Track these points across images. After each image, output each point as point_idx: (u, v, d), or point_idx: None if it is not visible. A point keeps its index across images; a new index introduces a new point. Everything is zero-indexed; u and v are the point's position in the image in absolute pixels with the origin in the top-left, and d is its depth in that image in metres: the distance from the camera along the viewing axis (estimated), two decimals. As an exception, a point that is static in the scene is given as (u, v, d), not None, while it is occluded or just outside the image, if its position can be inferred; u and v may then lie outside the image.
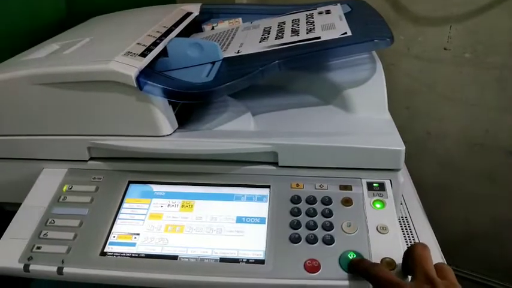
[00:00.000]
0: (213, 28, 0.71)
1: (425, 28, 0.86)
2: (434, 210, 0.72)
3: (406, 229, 0.57)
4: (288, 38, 0.55)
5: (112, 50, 0.49)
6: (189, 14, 0.69)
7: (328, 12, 0.63)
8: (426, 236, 0.56)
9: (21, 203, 0.49)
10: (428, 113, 0.94)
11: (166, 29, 0.59)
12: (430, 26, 0.85)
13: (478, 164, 0.93)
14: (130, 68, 0.46)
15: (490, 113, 0.88)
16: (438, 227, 0.61)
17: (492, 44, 0.82)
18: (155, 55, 0.51)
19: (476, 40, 0.83)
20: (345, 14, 0.62)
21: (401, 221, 0.59)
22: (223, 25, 0.71)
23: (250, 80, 0.48)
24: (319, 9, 0.65)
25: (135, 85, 0.45)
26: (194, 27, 0.70)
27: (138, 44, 0.52)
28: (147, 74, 0.46)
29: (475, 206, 0.98)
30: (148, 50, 0.51)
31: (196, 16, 0.71)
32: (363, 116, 0.52)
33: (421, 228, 0.57)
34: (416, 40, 0.87)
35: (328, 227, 0.43)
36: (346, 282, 0.40)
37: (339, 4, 0.66)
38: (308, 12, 0.65)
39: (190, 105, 0.55)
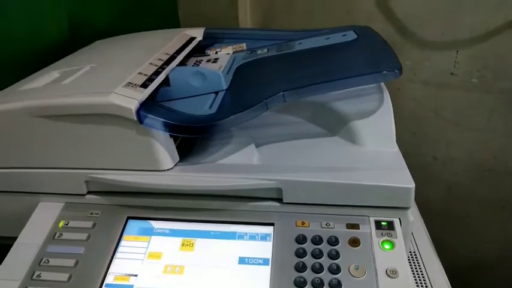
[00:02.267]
0: (216, 53, 0.69)
1: (432, 53, 0.85)
2: (442, 237, 0.70)
3: (415, 266, 0.55)
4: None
5: (112, 80, 0.48)
6: (192, 39, 0.68)
7: (215, 61, 0.62)
8: (436, 274, 0.53)
9: (15, 237, 0.47)
10: (435, 138, 0.92)
11: (168, 56, 0.58)
12: (437, 50, 0.84)
13: (487, 190, 0.91)
14: (131, 100, 0.44)
15: (498, 139, 0.86)
16: (445, 254, 0.59)
17: (499, 69, 0.81)
18: (157, 85, 0.50)
19: (484, 65, 0.82)
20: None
21: (410, 256, 0.56)
22: (227, 50, 0.70)
23: (254, 112, 0.46)
24: (211, 56, 0.66)
25: (135, 118, 0.44)
26: (197, 52, 0.69)
27: (139, 73, 0.51)
28: (147, 106, 0.45)
29: (483, 233, 0.95)
30: (150, 80, 0.50)
31: (200, 41, 0.70)
32: (370, 149, 0.51)
33: (431, 265, 0.55)
34: (423, 65, 0.86)
35: (335, 270, 0.41)
36: (355, 332, 0.37)
37: (231, 55, 0.65)
38: (199, 58, 0.64)
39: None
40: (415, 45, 0.86)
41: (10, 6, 0.65)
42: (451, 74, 0.85)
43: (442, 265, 0.56)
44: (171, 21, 1.01)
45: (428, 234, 0.62)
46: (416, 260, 0.56)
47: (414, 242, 0.59)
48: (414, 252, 0.57)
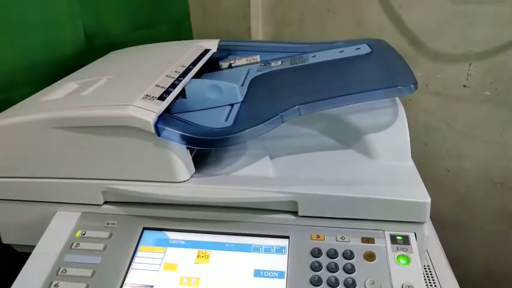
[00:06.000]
0: (230, 65, 0.70)
1: (444, 65, 0.85)
2: (454, 249, 0.69)
3: (429, 280, 0.54)
4: None
5: (130, 92, 0.48)
6: (207, 50, 0.69)
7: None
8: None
9: (33, 245, 0.48)
10: (447, 150, 0.91)
11: (184, 68, 0.59)
12: (449, 63, 0.84)
13: (500, 203, 0.90)
14: (149, 113, 0.45)
15: (511, 152, 0.86)
16: (458, 267, 0.58)
17: (513, 82, 0.81)
18: (173, 98, 0.51)
19: (497, 78, 0.81)
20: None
21: (424, 270, 0.56)
22: (240, 62, 0.70)
23: (270, 125, 0.47)
24: None
25: (153, 131, 0.44)
26: (210, 64, 0.69)
27: (156, 86, 0.51)
28: (165, 119, 0.46)
29: (497, 246, 0.94)
30: (167, 92, 0.51)
31: (214, 52, 0.71)
32: (385, 162, 0.51)
33: (445, 279, 0.54)
34: (435, 77, 0.86)
35: (351, 284, 0.41)
36: None
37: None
38: None
39: (207, 148, 0.54)
40: (426, 57, 0.86)
41: (26, 16, 0.66)
42: (464, 86, 0.85)
43: (455, 278, 0.55)
44: (184, 31, 1.03)
45: (442, 247, 0.62)
46: (431, 274, 0.56)
47: (428, 255, 0.59)
48: (428, 266, 0.57)
